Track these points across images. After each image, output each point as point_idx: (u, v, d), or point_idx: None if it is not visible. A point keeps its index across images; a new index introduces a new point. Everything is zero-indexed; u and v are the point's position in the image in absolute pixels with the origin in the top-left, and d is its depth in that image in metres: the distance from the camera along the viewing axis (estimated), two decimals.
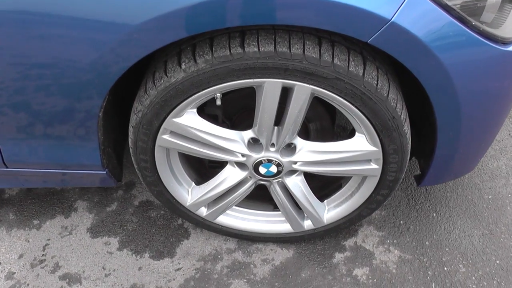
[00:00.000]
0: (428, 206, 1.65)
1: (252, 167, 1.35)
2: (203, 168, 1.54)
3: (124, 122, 1.46)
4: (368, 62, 1.18)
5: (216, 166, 1.50)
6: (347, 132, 1.82)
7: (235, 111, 1.40)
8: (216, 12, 1.05)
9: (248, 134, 1.30)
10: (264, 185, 1.44)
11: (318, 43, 1.14)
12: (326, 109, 1.41)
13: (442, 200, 1.67)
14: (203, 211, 1.49)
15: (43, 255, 1.63)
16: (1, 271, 1.59)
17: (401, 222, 1.61)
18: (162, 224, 1.67)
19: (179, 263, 1.55)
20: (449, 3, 1.08)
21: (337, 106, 1.24)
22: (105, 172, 1.43)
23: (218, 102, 1.22)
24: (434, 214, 1.63)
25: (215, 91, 1.19)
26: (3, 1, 1.07)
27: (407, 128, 1.27)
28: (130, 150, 1.35)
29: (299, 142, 1.32)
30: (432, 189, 1.71)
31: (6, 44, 1.13)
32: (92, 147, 1.36)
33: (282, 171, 1.36)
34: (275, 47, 1.12)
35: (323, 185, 1.52)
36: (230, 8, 1.05)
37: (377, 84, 1.17)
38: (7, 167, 1.47)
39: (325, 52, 1.14)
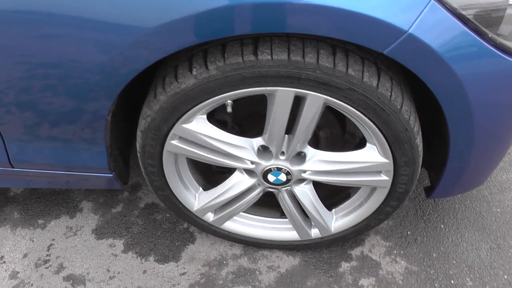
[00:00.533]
0: (436, 217, 1.63)
1: (261, 175, 1.34)
2: (210, 173, 1.53)
3: (131, 125, 1.45)
4: (382, 72, 1.16)
5: (224, 172, 1.48)
6: (356, 139, 1.81)
7: (244, 117, 1.39)
8: (229, 19, 1.03)
9: (258, 141, 1.29)
10: (271, 192, 1.43)
11: (332, 52, 1.13)
12: (337, 117, 1.40)
13: (450, 212, 1.65)
14: (210, 217, 1.48)
15: (47, 255, 1.62)
16: (5, 270, 1.59)
17: (409, 232, 1.60)
18: (168, 228, 1.66)
19: (184, 268, 1.54)
20: (465, 14, 1.06)
21: (349, 116, 1.22)
22: (111, 175, 1.42)
23: (229, 109, 1.21)
24: (442, 226, 1.61)
25: (226, 98, 1.17)
26: (18, 1, 1.06)
27: (419, 141, 1.25)
28: (138, 154, 1.34)
29: (309, 151, 1.31)
30: (440, 200, 1.69)
31: (16, 44, 1.12)
32: (99, 150, 1.35)
33: (291, 179, 1.35)
34: (288, 56, 1.10)
35: (331, 194, 1.50)
36: (242, 15, 1.03)
37: (390, 96, 1.16)
38: (13, 167, 1.47)
39: (339, 61, 1.12)
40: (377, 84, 1.14)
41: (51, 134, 1.33)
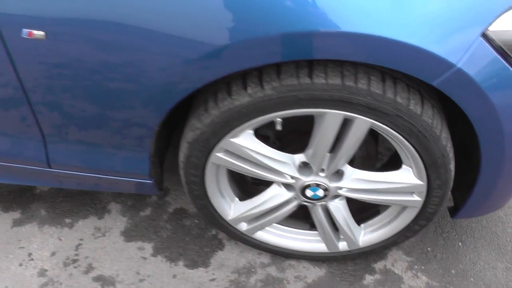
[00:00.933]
0: (454, 235, 1.70)
1: (299, 190, 1.39)
2: (245, 184, 1.57)
3: (168, 132, 1.49)
4: (425, 100, 1.22)
5: (259, 183, 1.53)
6: (380, 154, 1.86)
7: (285, 133, 1.43)
8: (289, 45, 1.08)
9: (300, 158, 1.34)
10: (303, 205, 1.48)
11: (382, 79, 1.18)
12: (372, 136, 1.45)
13: (468, 230, 1.72)
14: (243, 226, 1.53)
15: (75, 254, 1.64)
16: (34, 267, 1.61)
17: (429, 249, 1.67)
18: (197, 234, 1.70)
19: (214, 274, 1.58)
20: (506, 49, 1.12)
21: (390, 139, 1.27)
22: (151, 181, 1.45)
23: (279, 127, 1.26)
24: (460, 244, 1.68)
25: (277, 116, 1.22)
26: (86, 9, 1.09)
27: (452, 165, 1.32)
28: (181, 164, 1.37)
29: (347, 169, 1.36)
30: (457, 219, 1.76)
31: (78, 51, 1.15)
32: (143, 157, 1.39)
33: (328, 195, 1.40)
34: (342, 81, 1.15)
35: (360, 209, 1.56)
36: (302, 42, 1.08)
37: (432, 123, 1.22)
38: (50, 168, 1.49)
39: (388, 89, 1.17)
40: (421, 112, 1.20)
41: (98, 140, 1.36)
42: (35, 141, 1.42)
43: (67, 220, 1.75)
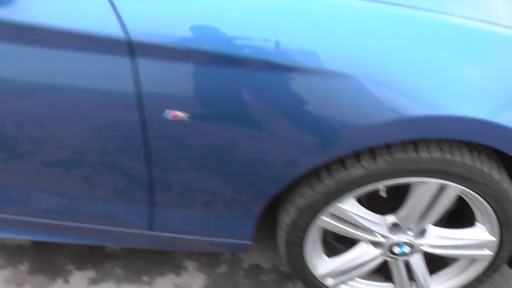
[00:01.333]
0: (504, 284, 1.90)
1: (388, 247, 1.55)
2: (326, 241, 1.71)
3: None
4: (501, 168, 1.43)
5: (339, 241, 1.67)
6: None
7: (373, 195, 1.59)
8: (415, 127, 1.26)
9: (391, 219, 1.50)
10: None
11: (469, 151, 1.38)
12: None
13: None
14: (330, 281, 1.65)
15: None
16: None
17: None
18: None
19: None
20: None
21: (469, 201, 1.47)
22: (250, 242, 1.56)
23: (384, 194, 1.42)
24: None
25: (383, 185, 1.38)
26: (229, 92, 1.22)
27: None
28: (285, 226, 1.50)
29: (430, 227, 1.54)
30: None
31: (216, 132, 1.27)
32: (249, 220, 1.50)
33: (412, 251, 1.56)
34: (442, 154, 1.34)
35: (430, 261, 1.73)
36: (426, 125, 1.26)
37: (507, 187, 1.42)
38: (151, 231, 1.56)
39: (475, 159, 1.37)
40: (500, 178, 1.41)
41: (210, 207, 1.46)
42: (141, 207, 1.50)
43: (145, 278, 1.79)
